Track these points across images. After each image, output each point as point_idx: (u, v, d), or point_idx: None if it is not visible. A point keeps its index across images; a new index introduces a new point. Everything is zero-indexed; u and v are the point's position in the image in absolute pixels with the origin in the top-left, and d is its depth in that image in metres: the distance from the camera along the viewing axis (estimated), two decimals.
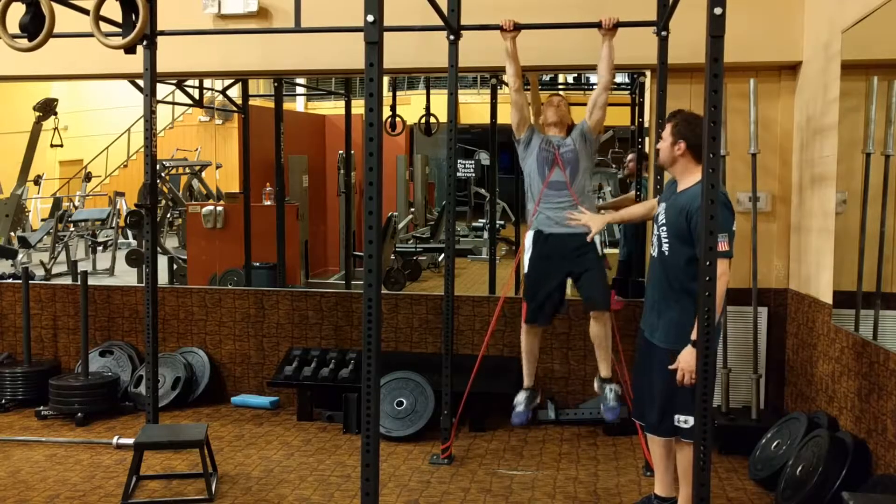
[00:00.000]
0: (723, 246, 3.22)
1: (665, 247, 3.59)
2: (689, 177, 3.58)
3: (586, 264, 4.38)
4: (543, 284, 4.43)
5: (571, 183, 4.39)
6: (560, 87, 10.27)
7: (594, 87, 4.71)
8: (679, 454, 3.64)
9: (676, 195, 3.61)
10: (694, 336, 3.34)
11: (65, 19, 4.18)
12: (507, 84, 4.58)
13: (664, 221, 3.62)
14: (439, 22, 4.44)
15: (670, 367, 3.46)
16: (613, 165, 11.33)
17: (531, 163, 4.49)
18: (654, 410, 3.66)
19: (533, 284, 4.46)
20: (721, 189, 3.40)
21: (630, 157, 7.35)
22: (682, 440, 3.60)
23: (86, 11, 4.17)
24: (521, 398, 4.60)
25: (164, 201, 11.02)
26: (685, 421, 3.53)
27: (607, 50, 4.37)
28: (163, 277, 8.51)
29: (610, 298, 4.44)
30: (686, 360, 3.39)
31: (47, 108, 9.93)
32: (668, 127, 3.66)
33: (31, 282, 6.13)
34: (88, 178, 15.15)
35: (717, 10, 2.74)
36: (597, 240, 4.37)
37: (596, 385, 4.61)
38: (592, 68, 4.62)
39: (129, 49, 4.22)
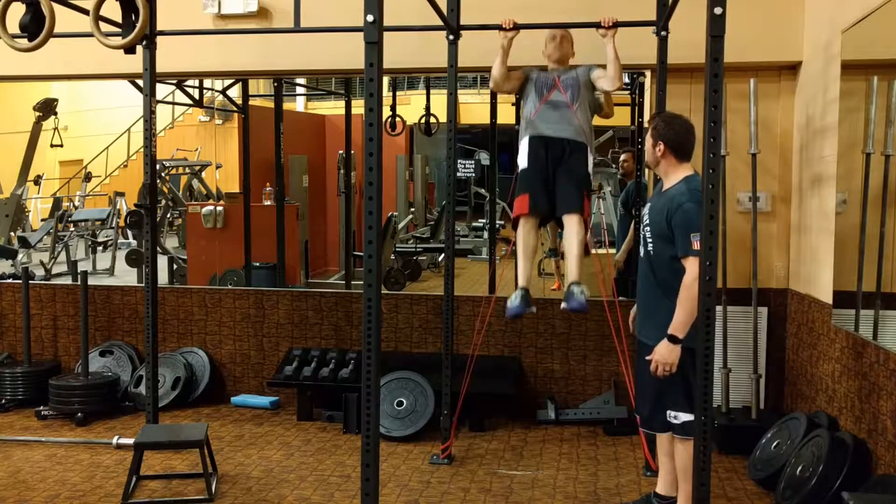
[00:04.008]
0: (698, 245, 3.25)
1: (650, 246, 3.64)
2: (672, 176, 3.62)
3: (570, 164, 4.25)
4: (540, 173, 4.29)
5: (572, 103, 4.29)
6: None
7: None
8: (676, 452, 3.66)
9: (660, 195, 3.66)
10: (670, 331, 3.42)
11: (65, 19, 4.18)
12: (492, 87, 4.52)
13: (648, 221, 3.67)
14: (439, 22, 4.44)
15: (647, 357, 3.51)
16: (613, 165, 11.31)
17: (529, 91, 4.38)
18: (647, 405, 3.73)
19: (531, 175, 4.30)
20: (696, 188, 3.42)
21: (624, 156, 7.32)
22: (675, 437, 3.63)
23: (86, 11, 4.17)
24: (515, 295, 4.31)
25: (164, 201, 11.01)
26: (675, 416, 3.58)
27: (612, 52, 4.27)
28: (163, 277, 8.51)
29: (581, 202, 4.24)
30: (661, 352, 3.45)
31: (47, 108, 9.92)
32: (650, 129, 3.69)
33: (31, 282, 6.13)
34: (88, 178, 15.16)
35: (717, 10, 2.74)
36: (590, 158, 4.31)
37: (565, 289, 4.37)
38: None
39: (129, 49, 4.22)
